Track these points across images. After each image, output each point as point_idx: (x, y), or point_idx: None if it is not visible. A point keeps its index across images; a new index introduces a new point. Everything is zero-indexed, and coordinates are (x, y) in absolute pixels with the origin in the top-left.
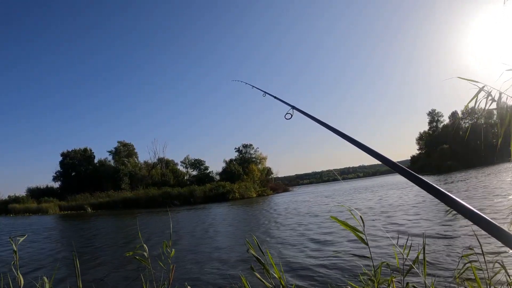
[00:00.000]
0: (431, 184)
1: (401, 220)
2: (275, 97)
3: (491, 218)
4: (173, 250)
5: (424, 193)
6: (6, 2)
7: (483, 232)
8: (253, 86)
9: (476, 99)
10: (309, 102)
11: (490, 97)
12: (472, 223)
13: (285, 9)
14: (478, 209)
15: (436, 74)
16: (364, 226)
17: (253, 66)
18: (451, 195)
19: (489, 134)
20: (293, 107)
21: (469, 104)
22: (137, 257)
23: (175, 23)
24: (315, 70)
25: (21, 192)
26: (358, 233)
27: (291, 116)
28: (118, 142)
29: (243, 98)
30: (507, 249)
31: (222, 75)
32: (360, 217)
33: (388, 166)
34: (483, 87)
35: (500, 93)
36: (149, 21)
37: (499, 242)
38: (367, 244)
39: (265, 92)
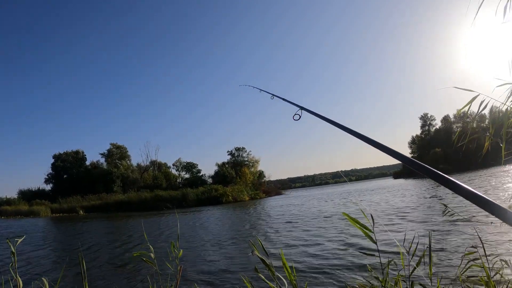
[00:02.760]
0: (436, 171)
1: (401, 221)
2: (283, 99)
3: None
4: (181, 250)
5: (421, 195)
6: None
7: (484, 231)
8: (261, 90)
9: (470, 106)
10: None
11: (482, 105)
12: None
13: (280, 14)
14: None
15: (431, 78)
16: (373, 225)
17: (249, 72)
18: (454, 180)
19: (481, 138)
20: (302, 108)
21: (463, 109)
22: (144, 259)
23: (170, 29)
24: (309, 75)
25: (13, 194)
26: (367, 231)
27: (300, 117)
28: (111, 144)
29: (236, 102)
30: (509, 247)
31: (217, 79)
32: (371, 215)
33: (396, 158)
34: (477, 95)
35: (493, 102)
36: (145, 27)
37: (501, 240)
38: (375, 242)
39: (273, 95)
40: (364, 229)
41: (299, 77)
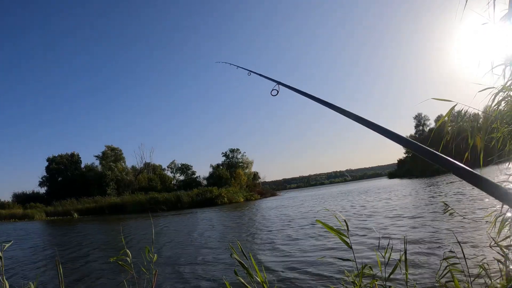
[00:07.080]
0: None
1: (383, 224)
2: (260, 75)
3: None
4: (155, 255)
5: (410, 196)
6: None
7: (464, 236)
8: (237, 66)
9: (450, 115)
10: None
11: (460, 114)
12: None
13: (282, 16)
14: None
15: (422, 79)
16: (348, 230)
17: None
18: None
19: (473, 138)
20: (279, 83)
21: (442, 120)
22: (120, 262)
23: (163, 28)
24: (307, 75)
25: (7, 197)
26: (342, 236)
27: (277, 92)
28: (106, 146)
29: (230, 103)
30: (487, 252)
31: (212, 80)
32: (344, 221)
33: (393, 140)
34: (455, 105)
35: (471, 109)
36: (137, 24)
37: (480, 245)
38: (351, 247)
39: (250, 71)
40: (340, 235)
41: (297, 74)
